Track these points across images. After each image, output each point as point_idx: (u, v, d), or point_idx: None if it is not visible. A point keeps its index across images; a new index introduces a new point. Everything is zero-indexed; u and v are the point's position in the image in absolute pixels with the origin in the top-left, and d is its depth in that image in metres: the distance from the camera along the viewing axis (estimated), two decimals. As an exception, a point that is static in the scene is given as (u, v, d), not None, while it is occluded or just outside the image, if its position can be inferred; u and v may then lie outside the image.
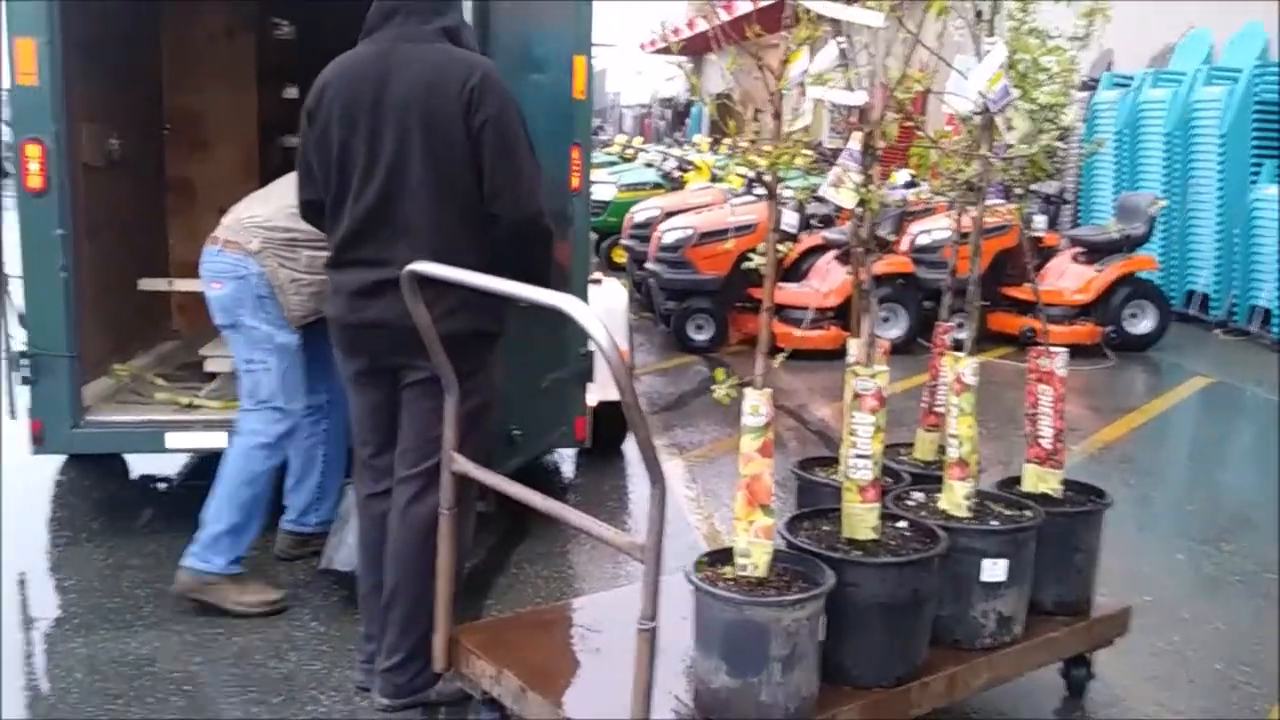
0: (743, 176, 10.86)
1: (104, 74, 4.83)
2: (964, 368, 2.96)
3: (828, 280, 8.32)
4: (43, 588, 4.09)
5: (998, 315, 8.51)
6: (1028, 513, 3.01)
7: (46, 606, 3.93)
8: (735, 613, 2.43)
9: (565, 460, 5.55)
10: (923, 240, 8.43)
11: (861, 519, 2.74)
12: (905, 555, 2.69)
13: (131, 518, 4.69)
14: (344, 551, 3.65)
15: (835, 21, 2.53)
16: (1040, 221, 8.71)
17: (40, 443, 4.21)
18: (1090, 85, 10.91)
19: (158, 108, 5.88)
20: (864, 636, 2.63)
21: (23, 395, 4.24)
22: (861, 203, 2.65)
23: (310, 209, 3.16)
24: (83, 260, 4.33)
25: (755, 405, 2.50)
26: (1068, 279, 8.61)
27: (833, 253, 8.44)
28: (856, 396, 2.71)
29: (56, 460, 5.11)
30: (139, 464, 5.26)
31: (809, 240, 8.76)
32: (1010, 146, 2.83)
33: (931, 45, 2.76)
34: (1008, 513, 3.02)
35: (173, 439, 4.27)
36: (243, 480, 3.73)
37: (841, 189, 2.65)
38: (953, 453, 2.98)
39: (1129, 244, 8.58)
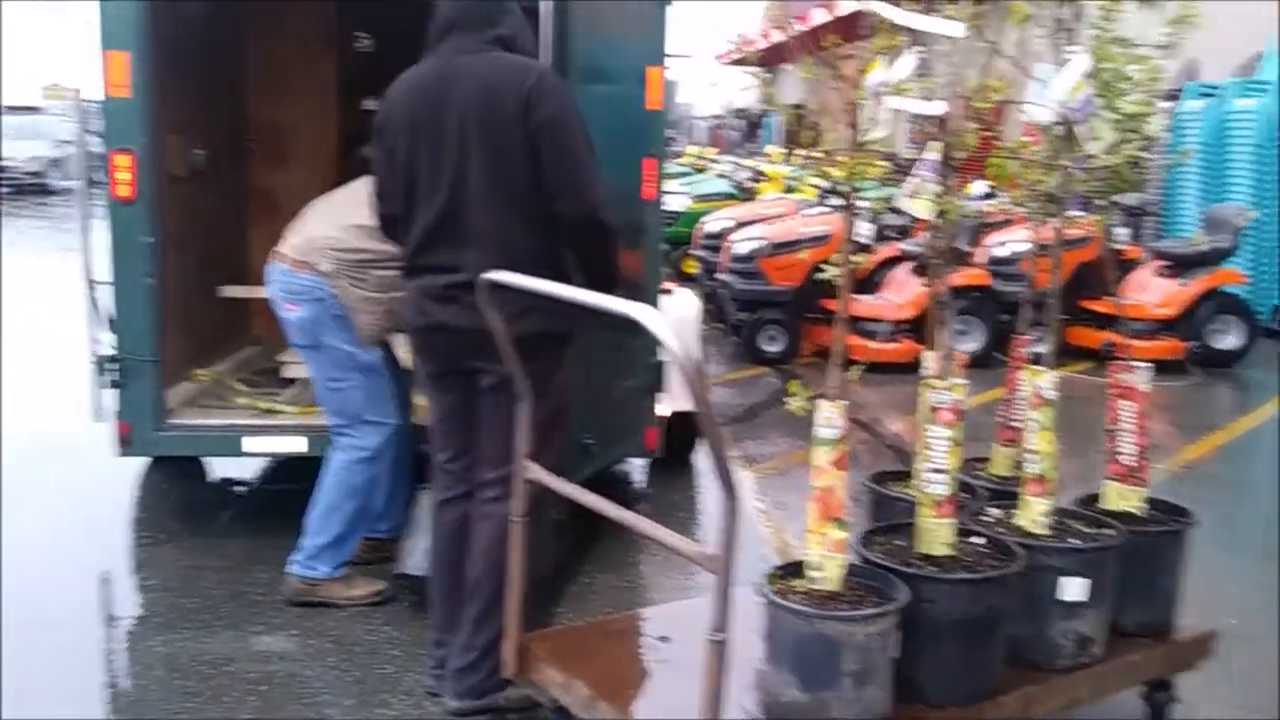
0: (816, 187, 10.81)
1: (190, 86, 4.96)
2: (1043, 382, 2.90)
3: (903, 292, 8.23)
4: (125, 587, 4.20)
5: (1077, 329, 8.34)
6: (1108, 531, 2.94)
7: (128, 605, 4.03)
8: (807, 626, 2.41)
9: (636, 470, 5.55)
10: (1000, 252, 8.31)
11: (936, 534, 2.70)
12: (981, 572, 2.64)
13: (210, 520, 4.79)
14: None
15: (914, 31, 2.51)
16: (1123, 234, 8.53)
17: (127, 445, 4.32)
18: (1174, 95, 10.67)
19: (241, 120, 6.01)
20: (937, 654, 2.58)
21: (110, 399, 4.35)
22: (939, 213, 2.62)
23: (388, 224, 3.22)
24: (168, 268, 4.44)
25: (829, 418, 2.47)
26: (1150, 293, 8.42)
27: (908, 264, 8.35)
28: (932, 410, 2.67)
29: (139, 463, 5.24)
30: (218, 467, 5.38)
31: (884, 252, 8.67)
32: (1092, 157, 2.77)
33: (1011, 54, 2.72)
34: (1087, 531, 2.95)
35: (250, 443, 4.36)
36: (345, 494, 3.82)
37: (918, 200, 2.62)
38: (1031, 469, 2.92)
39: (1215, 257, 8.36)
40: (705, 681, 2.19)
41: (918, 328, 7.95)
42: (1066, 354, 8.36)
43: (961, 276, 7.81)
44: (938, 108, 2.58)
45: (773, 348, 8.21)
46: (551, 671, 2.77)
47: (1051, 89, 2.71)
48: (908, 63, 2.65)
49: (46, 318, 9.25)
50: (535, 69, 3.00)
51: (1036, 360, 3.02)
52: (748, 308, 8.37)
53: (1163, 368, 7.87)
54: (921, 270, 8.16)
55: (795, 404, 2.43)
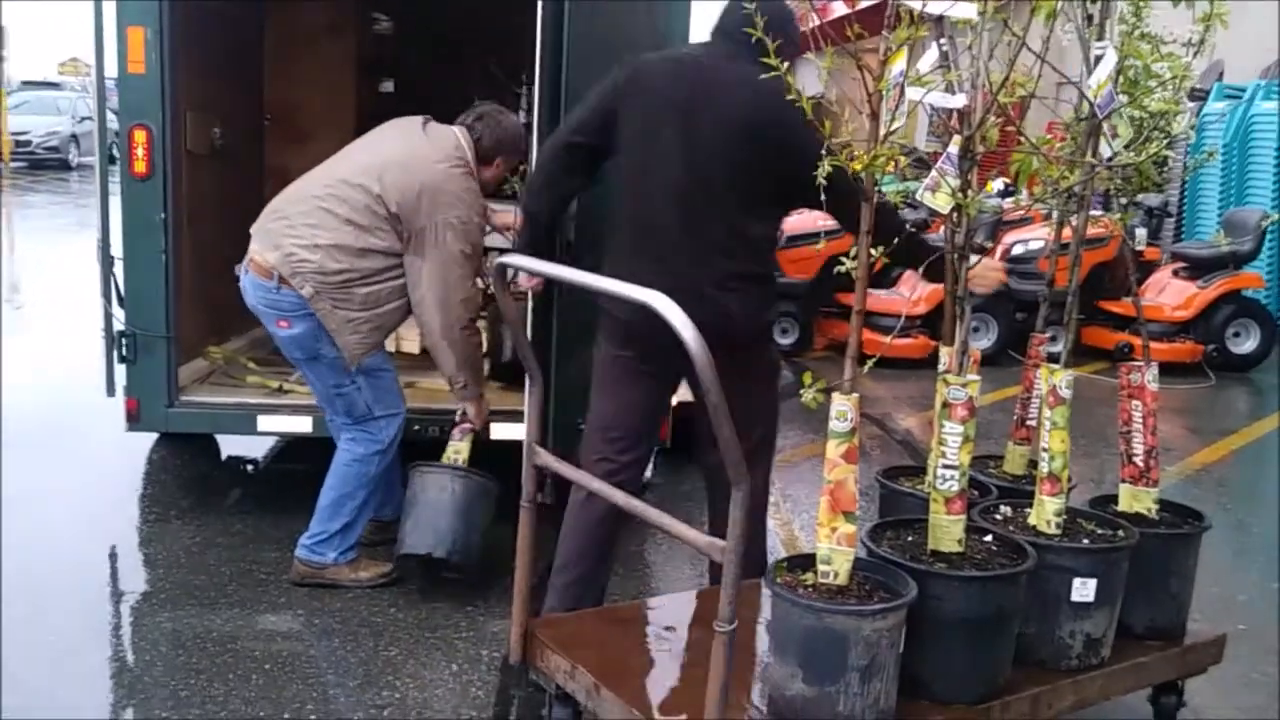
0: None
1: (210, 65, 4.95)
2: (1059, 381, 2.87)
3: (917, 288, 8.19)
4: (132, 563, 4.21)
5: (1093, 329, 8.30)
6: (1120, 532, 2.91)
7: (135, 581, 4.05)
8: (815, 620, 2.39)
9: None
10: (1018, 250, 8.26)
11: (947, 531, 2.67)
12: (991, 570, 2.62)
13: (220, 497, 4.80)
14: (415, 535, 3.72)
15: (939, 22, 2.48)
16: (1141, 234, 8.47)
17: (135, 420, 4.33)
18: (1200, 96, 10.59)
19: (259, 99, 6.01)
20: (945, 651, 2.56)
21: (121, 374, 4.36)
22: (957, 208, 2.59)
23: (569, 151, 3.20)
24: (182, 244, 4.45)
25: (842, 411, 2.45)
26: (1168, 294, 8.37)
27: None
28: (946, 406, 2.65)
29: (148, 439, 5.24)
30: (228, 445, 5.38)
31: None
32: (1115, 155, 2.74)
33: (1036, 49, 2.68)
34: (1099, 531, 2.93)
35: (264, 421, 4.37)
36: (358, 484, 3.84)
37: (938, 194, 2.59)
38: (1044, 467, 2.89)
39: (1235, 260, 8.30)
40: (712, 672, 2.18)
41: (930, 323, 7.92)
42: (1082, 354, 8.38)
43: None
44: (960, 101, 2.55)
45: (785, 340, 8.18)
46: (556, 658, 2.76)
47: (1080, 84, 2.67)
48: (931, 54, 2.62)
49: (61, 293, 9.30)
50: (779, 89, 3.06)
51: (1053, 359, 3.00)
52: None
53: (1180, 371, 7.91)
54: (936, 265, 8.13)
55: (809, 396, 2.41)
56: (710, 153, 3.00)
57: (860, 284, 2.51)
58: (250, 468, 5.29)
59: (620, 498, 2.54)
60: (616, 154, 3.14)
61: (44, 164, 22.27)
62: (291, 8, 5.96)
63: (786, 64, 2.37)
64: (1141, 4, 2.75)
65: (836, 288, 8.11)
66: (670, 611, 3.14)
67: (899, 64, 2.38)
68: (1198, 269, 8.41)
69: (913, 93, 2.38)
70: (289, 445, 5.36)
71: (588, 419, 3.27)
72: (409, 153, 3.73)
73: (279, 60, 6.04)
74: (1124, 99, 2.72)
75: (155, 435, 5.20)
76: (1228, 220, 8.80)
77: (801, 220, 8.42)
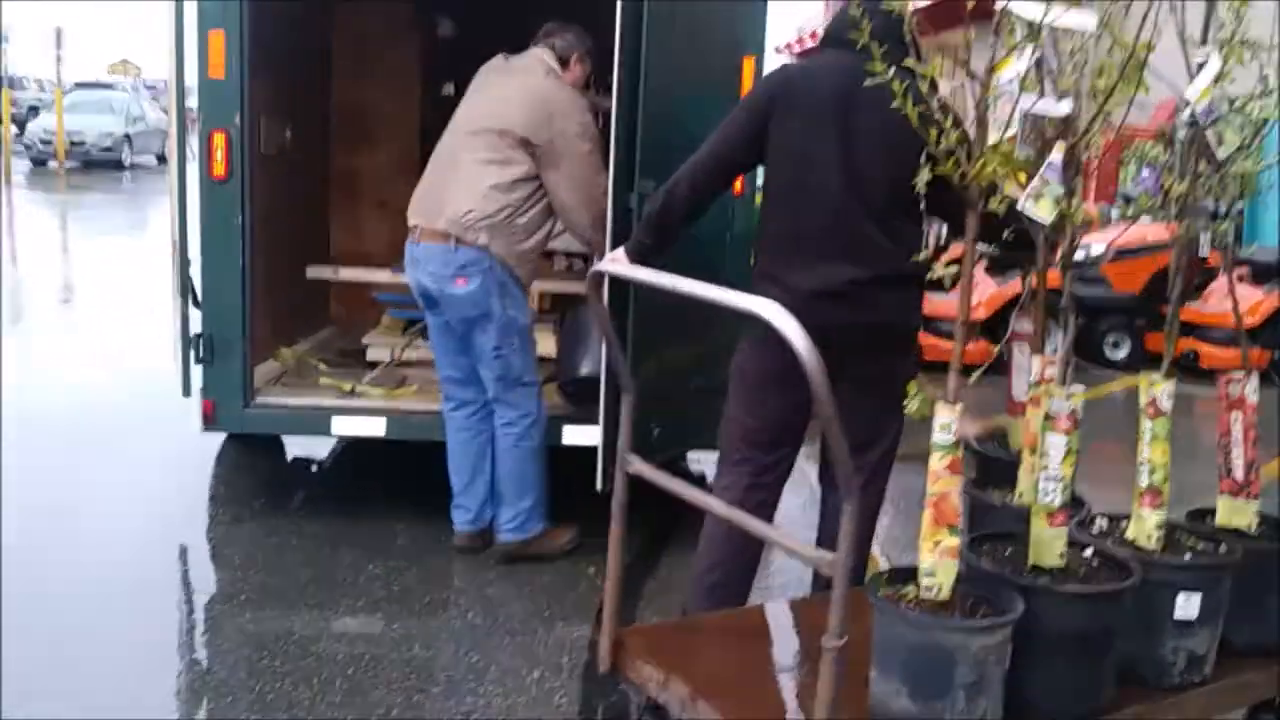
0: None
1: (280, 66, 4.98)
2: (1160, 392, 2.81)
3: (976, 292, 8.09)
4: (210, 564, 4.24)
5: (1156, 335, 8.17)
6: (1223, 547, 2.85)
7: (214, 582, 4.07)
8: (921, 635, 2.35)
9: (709, 466, 5.51)
10: (1078, 255, 8.14)
11: (1049, 545, 2.62)
12: (1098, 585, 2.57)
13: (289, 499, 4.82)
14: (590, 362, 4.20)
15: (1043, 26, 2.43)
16: (1205, 240, 8.32)
17: (212, 421, 4.36)
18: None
19: (326, 101, 6.04)
20: (1051, 668, 2.51)
21: (197, 375, 4.39)
22: (1061, 217, 2.55)
23: (713, 165, 3.19)
24: (256, 246, 4.47)
25: (946, 422, 2.41)
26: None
27: (981, 264, 8.22)
28: (1048, 417, 2.60)
29: (215, 440, 5.26)
30: (292, 447, 5.40)
31: (955, 251, 8.54)
32: (1226, 162, 2.68)
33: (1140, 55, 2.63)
34: (1201, 546, 2.87)
35: (339, 423, 4.39)
36: (529, 458, 4.06)
37: (1041, 202, 2.54)
38: (1144, 480, 2.83)
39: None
40: (821, 687, 2.15)
41: (990, 328, 7.82)
42: (1145, 361, 8.27)
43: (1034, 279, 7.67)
44: (1065, 107, 2.50)
45: (1118, 354, 8.12)
46: (648, 668, 2.73)
47: (1187, 92, 2.62)
48: (1024, 59, 2.57)
49: (120, 292, 9.41)
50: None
51: (1113, 366, 2.94)
52: (1088, 313, 8.26)
53: (1245, 377, 7.74)
54: (993, 269, 8.04)
55: (914, 407, 2.38)
56: (868, 159, 3.05)
57: (964, 292, 2.47)
58: (315, 468, 5.32)
59: (721, 508, 2.51)
60: (763, 165, 3.18)
61: (98, 164, 22.58)
62: (357, 10, 5.98)
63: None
64: (1241, 6, 2.69)
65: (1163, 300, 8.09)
66: (765, 622, 3.10)
67: (1008, 70, 2.34)
68: (1263, 275, 8.27)
69: (1025, 100, 2.34)
70: (350, 447, 5.38)
71: (727, 426, 3.27)
72: (513, 84, 4.05)
73: (345, 63, 6.07)
74: (1225, 108, 2.66)
75: (223, 437, 5.24)
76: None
77: (1130, 235, 8.32)
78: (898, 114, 2.91)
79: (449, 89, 6.95)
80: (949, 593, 2.46)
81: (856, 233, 3.08)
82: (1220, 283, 8.48)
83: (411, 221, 4.09)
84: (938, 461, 2.45)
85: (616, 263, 3.22)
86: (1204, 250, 8.20)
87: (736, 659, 2.85)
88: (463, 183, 3.96)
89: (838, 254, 3.07)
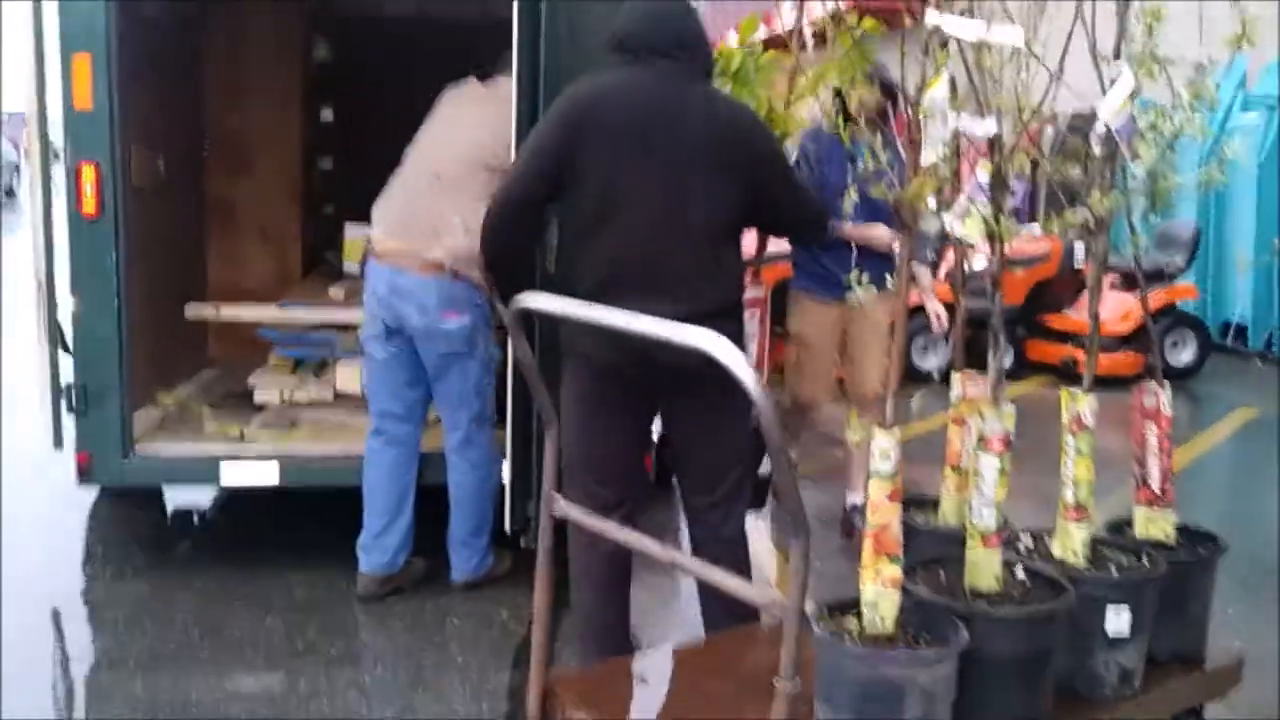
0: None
1: (152, 93, 4.71)
2: (1083, 407, 2.82)
3: (1109, 306, 8.26)
4: (94, 625, 3.93)
5: (1036, 344, 8.39)
6: (1146, 560, 2.87)
7: (99, 646, 3.77)
8: (869, 670, 2.29)
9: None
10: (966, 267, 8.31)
11: (985, 567, 2.59)
12: (1036, 607, 2.54)
13: (172, 552, 4.54)
14: None
15: (970, 43, 2.41)
16: (1079, 250, 8.60)
17: (87, 474, 4.06)
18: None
19: (198, 128, 5.75)
20: (993, 690, 2.47)
21: (70, 425, 4.09)
22: (990, 236, 2.53)
23: (516, 208, 3.02)
24: (131, 286, 4.19)
25: (885, 449, 2.36)
26: (1108, 308, 8.46)
27: (1110, 278, 8.42)
28: (981, 439, 2.57)
29: (88, 494, 4.93)
30: (174, 497, 5.09)
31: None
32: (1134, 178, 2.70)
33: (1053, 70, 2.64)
34: (1124, 560, 2.88)
35: (229, 472, 4.13)
36: (491, 497, 4.00)
37: (968, 221, 2.52)
38: (1069, 496, 2.83)
39: (1169, 274, 8.47)
40: (775, 733, 2.06)
41: (1131, 339, 8.05)
42: (1027, 368, 8.48)
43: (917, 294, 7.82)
44: (990, 127, 2.48)
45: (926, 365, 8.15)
46: (581, 716, 2.61)
47: (1101, 108, 2.63)
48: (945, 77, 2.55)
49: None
50: (748, 110, 3.07)
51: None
52: (973, 324, 8.25)
53: (1122, 383, 7.98)
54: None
55: (854, 436, 2.31)
56: (683, 184, 2.90)
57: (901, 316, 2.43)
58: (197, 518, 5.02)
59: (651, 544, 2.41)
60: (573, 191, 2.97)
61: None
62: (234, 29, 5.70)
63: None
64: (1153, 22, 2.72)
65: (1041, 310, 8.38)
66: (697, 660, 3.00)
67: (938, 89, 2.31)
68: (1132, 283, 8.56)
69: (954, 120, 2.31)
70: (234, 495, 5.07)
71: (566, 463, 3.11)
72: (491, 112, 3.87)
73: (220, 86, 5.77)
74: (1143, 122, 2.68)
75: (97, 490, 4.90)
76: (1160, 234, 8.98)
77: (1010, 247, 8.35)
78: (713, 130, 2.87)
79: (327, 114, 6.73)
80: (892, 625, 2.41)
81: (673, 266, 2.91)
82: (1095, 292, 8.75)
83: (390, 245, 3.85)
84: (877, 491, 2.40)
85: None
86: (1079, 261, 8.50)
87: (675, 702, 2.75)
88: (457, 215, 3.74)
89: (653, 290, 2.83)
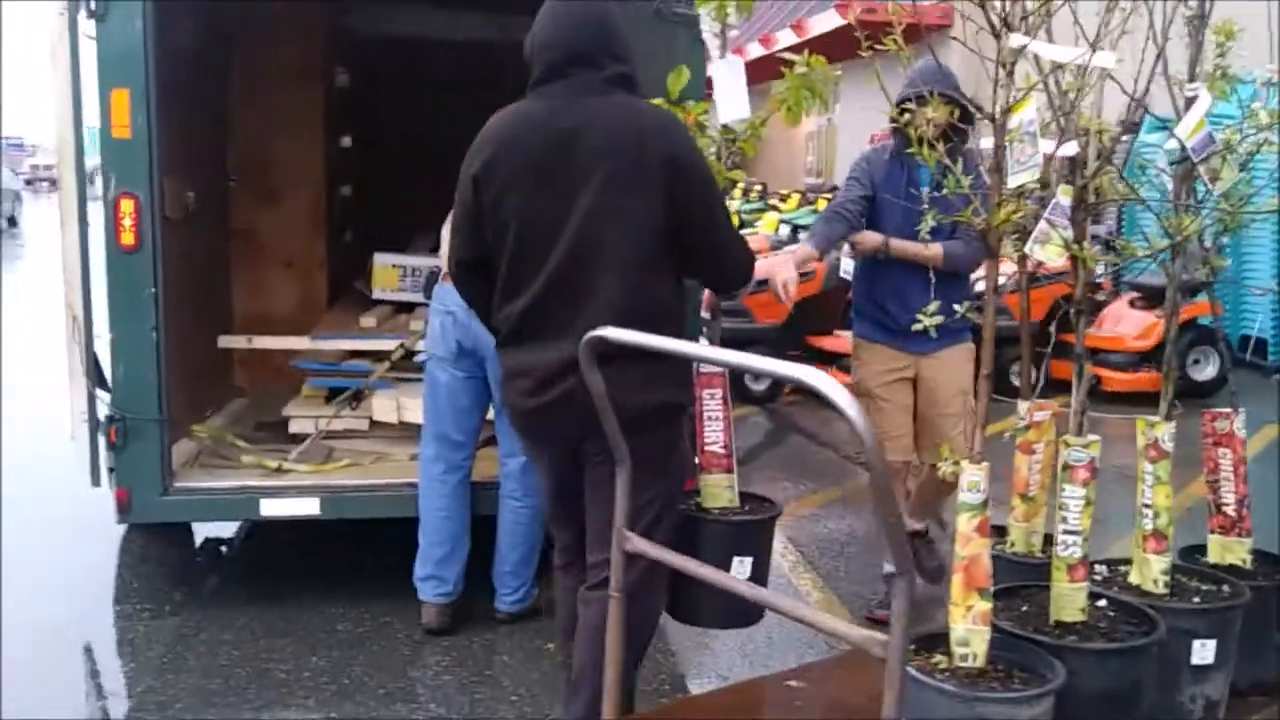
0: (788, 223, 10.74)
1: (181, 124, 4.66)
2: (1161, 433, 2.77)
3: (1129, 324, 8.37)
4: (139, 667, 3.82)
5: (1059, 362, 8.32)
6: (1227, 588, 2.81)
7: (141, 687, 3.67)
8: (966, 709, 2.22)
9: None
10: (981, 286, 8.27)
11: (1070, 600, 2.54)
12: (1121, 639, 2.48)
13: (206, 586, 4.47)
14: None
15: (1059, 65, 2.37)
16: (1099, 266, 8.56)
17: (127, 510, 3.99)
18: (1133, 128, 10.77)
19: (223, 157, 5.71)
20: (1087, 728, 2.41)
21: (108, 461, 4.01)
22: (1073, 260, 2.48)
23: (465, 269, 2.89)
24: (168, 318, 4.14)
25: (974, 481, 2.31)
26: (1126, 325, 8.45)
27: (1126, 298, 8.60)
28: (1066, 468, 2.52)
29: (119, 529, 4.84)
30: (200, 529, 5.01)
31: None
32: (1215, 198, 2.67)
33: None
34: (1204, 588, 2.82)
35: (268, 505, 4.05)
36: (540, 533, 3.89)
37: (1049, 246, 2.47)
38: (1147, 524, 2.78)
39: (1188, 289, 8.42)
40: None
41: (1151, 357, 7.99)
42: (1050, 386, 8.39)
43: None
44: (1071, 148, 2.44)
45: (759, 386, 8.06)
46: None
47: (1177, 128, 2.59)
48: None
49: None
50: (665, 116, 2.77)
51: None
52: (733, 346, 8.17)
53: (1144, 400, 7.93)
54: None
55: (946, 469, 2.26)
56: (590, 198, 2.66)
57: (989, 350, 2.38)
58: (224, 549, 4.94)
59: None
60: (498, 240, 2.76)
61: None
62: (257, 58, 5.67)
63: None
64: (1225, 43, 2.68)
65: (807, 331, 8.13)
66: (764, 698, 2.94)
67: (1026, 112, 2.26)
68: (1151, 299, 8.51)
69: (1042, 144, 2.26)
70: (258, 525, 4.98)
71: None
72: None
73: (244, 116, 5.73)
74: (1221, 142, 2.65)
75: (123, 526, 4.81)
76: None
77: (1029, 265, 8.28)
78: (617, 140, 2.63)
79: (347, 141, 6.69)
80: (984, 661, 2.35)
81: (589, 301, 2.66)
82: (1113, 308, 8.72)
83: None
84: (966, 523, 2.34)
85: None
86: (1097, 278, 8.45)
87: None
88: None
89: (570, 328, 2.58)
